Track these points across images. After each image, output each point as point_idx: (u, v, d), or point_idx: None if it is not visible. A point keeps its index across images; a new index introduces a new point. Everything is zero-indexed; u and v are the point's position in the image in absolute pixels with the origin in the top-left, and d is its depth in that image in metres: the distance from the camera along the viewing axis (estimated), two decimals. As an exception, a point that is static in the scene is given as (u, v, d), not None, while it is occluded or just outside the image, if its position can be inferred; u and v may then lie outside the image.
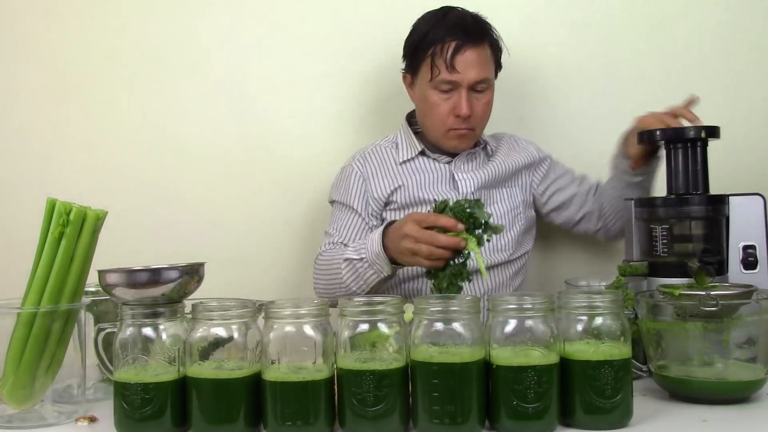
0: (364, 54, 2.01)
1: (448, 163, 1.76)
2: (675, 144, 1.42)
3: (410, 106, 1.84)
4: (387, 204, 1.75)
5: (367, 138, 1.90)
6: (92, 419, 1.14)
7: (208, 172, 2.03)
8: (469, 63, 1.65)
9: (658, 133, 1.43)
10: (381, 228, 1.49)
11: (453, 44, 1.64)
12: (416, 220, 1.34)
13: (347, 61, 2.01)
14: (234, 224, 2.03)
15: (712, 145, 1.43)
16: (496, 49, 1.72)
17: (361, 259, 1.51)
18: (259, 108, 2.03)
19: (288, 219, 2.03)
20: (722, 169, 1.61)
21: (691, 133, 1.39)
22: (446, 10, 1.72)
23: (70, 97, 2.04)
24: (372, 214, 1.75)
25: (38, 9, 2.03)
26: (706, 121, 1.46)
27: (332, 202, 1.81)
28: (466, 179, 1.74)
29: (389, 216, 1.74)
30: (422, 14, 1.75)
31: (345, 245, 1.68)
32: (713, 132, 1.41)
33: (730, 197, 1.40)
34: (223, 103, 2.03)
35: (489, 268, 1.72)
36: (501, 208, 1.76)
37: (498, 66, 1.75)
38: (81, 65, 2.03)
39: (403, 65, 1.78)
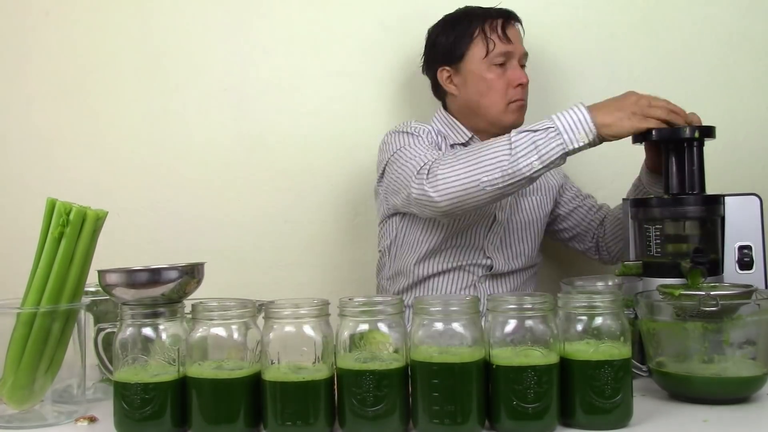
0: (366, 53, 2.01)
1: None
2: (670, 144, 1.42)
3: (410, 107, 1.85)
4: None
5: (366, 138, 1.89)
6: (92, 419, 1.14)
7: (208, 171, 2.03)
8: (517, 36, 1.73)
9: (653, 132, 1.43)
10: (577, 103, 1.41)
11: (500, 19, 1.70)
12: (642, 94, 1.40)
13: (348, 61, 2.01)
14: (234, 224, 2.03)
15: (709, 145, 1.43)
16: None
17: (546, 129, 1.39)
18: (260, 108, 2.03)
19: (288, 219, 2.03)
20: (718, 169, 1.61)
21: (686, 133, 1.39)
22: (464, 8, 1.77)
23: (70, 97, 2.04)
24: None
25: (38, 9, 2.03)
26: (704, 121, 1.46)
27: (394, 153, 1.62)
28: None
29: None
30: (436, 22, 1.78)
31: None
32: (708, 132, 1.40)
33: (725, 197, 1.40)
34: (223, 103, 2.03)
35: (516, 271, 1.73)
36: (532, 216, 1.76)
37: None
38: (81, 65, 2.03)
39: (434, 65, 1.77)
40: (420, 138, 1.64)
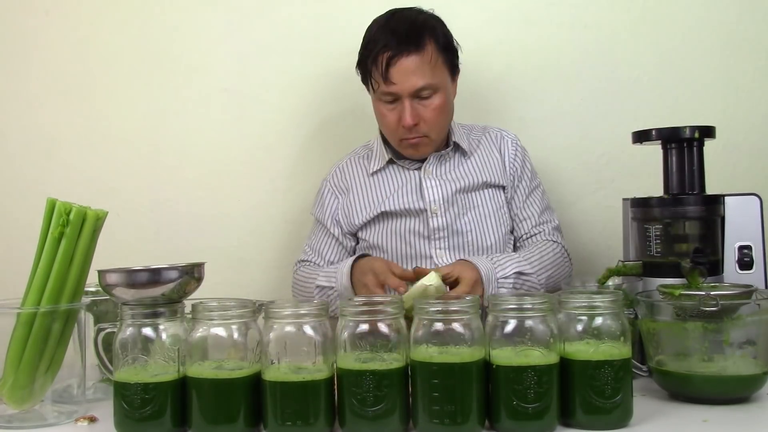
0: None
1: (417, 169, 1.71)
2: (670, 144, 1.42)
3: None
4: (361, 227, 1.74)
5: (366, 138, 1.89)
6: (92, 419, 1.14)
7: (208, 171, 2.03)
8: (406, 72, 1.59)
9: (653, 133, 1.43)
10: (350, 262, 1.57)
11: (386, 55, 1.59)
12: (375, 273, 1.48)
13: (348, 61, 2.01)
14: (234, 224, 2.03)
15: (709, 145, 1.43)
16: (445, 50, 1.64)
17: (332, 287, 1.60)
18: (259, 108, 2.03)
19: (288, 219, 2.03)
20: (718, 169, 1.61)
21: (686, 133, 1.39)
22: (390, 15, 1.66)
23: (70, 97, 2.04)
24: (345, 234, 1.77)
25: (38, 9, 2.03)
26: (704, 121, 1.46)
27: (312, 214, 1.84)
28: (434, 186, 1.68)
29: (366, 232, 1.73)
30: (373, 19, 1.69)
31: (318, 265, 1.75)
32: (708, 132, 1.41)
33: (725, 197, 1.40)
34: (223, 103, 2.03)
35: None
36: (484, 210, 1.70)
37: (452, 66, 1.67)
38: (81, 65, 2.03)
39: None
40: (318, 223, 1.80)
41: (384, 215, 1.71)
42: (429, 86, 1.60)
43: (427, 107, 1.62)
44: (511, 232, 1.76)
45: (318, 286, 1.64)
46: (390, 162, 1.74)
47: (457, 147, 1.74)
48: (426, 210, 1.68)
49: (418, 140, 1.65)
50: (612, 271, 1.38)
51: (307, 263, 1.78)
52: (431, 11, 1.69)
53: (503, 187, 1.74)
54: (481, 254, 1.68)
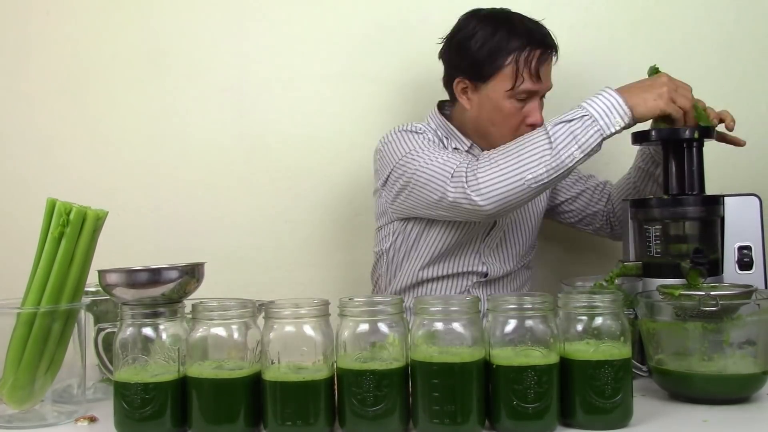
0: (365, 54, 2.01)
1: None
2: (670, 144, 1.42)
3: (409, 107, 1.84)
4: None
5: (366, 138, 1.89)
6: (92, 419, 1.14)
7: (208, 171, 2.03)
8: (549, 72, 1.64)
9: (653, 133, 1.43)
10: (605, 88, 1.41)
11: (538, 53, 1.59)
12: (671, 78, 1.41)
13: (348, 61, 2.01)
14: (234, 224, 2.03)
15: (708, 145, 1.43)
16: None
17: (581, 117, 1.39)
18: (259, 108, 2.03)
19: (288, 219, 2.03)
20: (718, 169, 1.61)
21: (686, 133, 1.39)
22: (506, 15, 1.64)
23: (71, 97, 2.04)
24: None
25: (39, 9, 2.03)
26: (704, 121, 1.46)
27: (403, 156, 1.58)
28: None
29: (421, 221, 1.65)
30: (471, 14, 1.65)
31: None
32: (707, 132, 1.41)
33: (725, 198, 1.40)
34: (223, 103, 2.03)
35: (509, 273, 1.72)
36: (527, 214, 1.74)
37: None
38: (81, 65, 2.03)
39: (454, 70, 1.67)
40: (426, 137, 1.63)
41: None
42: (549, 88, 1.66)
43: (540, 107, 1.65)
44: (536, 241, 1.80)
45: (557, 123, 1.40)
46: (471, 148, 1.69)
47: None
48: None
49: None
50: (613, 273, 1.38)
51: (470, 157, 1.56)
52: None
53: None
54: (518, 256, 1.72)
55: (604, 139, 1.39)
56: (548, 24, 1.99)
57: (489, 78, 1.61)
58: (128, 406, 1.04)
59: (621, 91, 1.40)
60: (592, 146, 1.39)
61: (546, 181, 1.41)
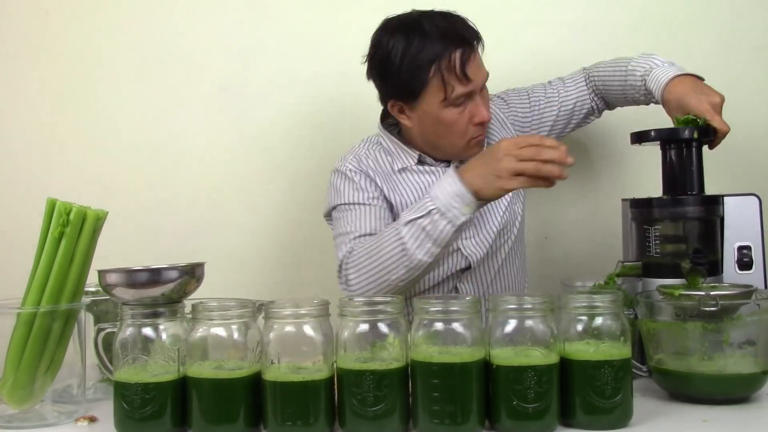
0: (363, 53, 2.00)
1: (447, 165, 1.64)
2: (669, 144, 1.42)
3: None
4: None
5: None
6: (92, 419, 1.14)
7: (208, 172, 2.03)
8: (478, 66, 1.52)
9: (652, 133, 1.43)
10: (450, 169, 1.36)
11: (459, 54, 1.48)
12: (513, 142, 1.29)
13: (347, 61, 2.01)
14: (234, 224, 2.03)
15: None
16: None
17: (429, 212, 1.34)
18: (259, 108, 2.03)
19: (288, 219, 2.03)
20: (718, 169, 1.61)
21: (686, 134, 1.40)
22: (417, 18, 1.53)
23: (70, 97, 2.04)
24: (385, 206, 1.57)
25: (39, 9, 2.03)
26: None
27: (333, 209, 1.61)
28: None
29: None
30: (382, 28, 1.56)
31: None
32: (707, 132, 1.41)
33: (724, 198, 1.40)
34: (222, 103, 2.03)
35: (492, 254, 1.64)
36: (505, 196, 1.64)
37: None
38: (81, 65, 2.03)
39: (384, 94, 1.60)
40: (353, 185, 1.59)
41: None
42: (487, 77, 1.56)
43: (485, 98, 1.56)
44: (513, 204, 1.71)
45: (407, 223, 1.36)
46: (419, 162, 1.63)
47: None
48: None
49: (482, 138, 1.58)
50: (613, 274, 1.38)
51: (360, 239, 1.51)
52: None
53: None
54: (489, 234, 1.63)
55: (460, 228, 1.34)
56: (548, 24, 1.99)
57: (419, 95, 1.52)
58: (128, 406, 1.04)
59: (463, 172, 1.34)
60: (448, 238, 1.34)
61: (410, 278, 1.39)
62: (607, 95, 1.73)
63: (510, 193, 1.60)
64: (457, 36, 1.51)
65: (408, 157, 1.63)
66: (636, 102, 1.67)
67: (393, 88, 1.57)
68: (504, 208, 1.66)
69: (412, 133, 1.63)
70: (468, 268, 1.63)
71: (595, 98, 1.74)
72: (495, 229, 1.64)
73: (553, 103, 1.72)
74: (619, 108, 1.79)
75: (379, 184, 1.60)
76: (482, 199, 1.33)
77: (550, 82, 1.77)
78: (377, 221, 1.55)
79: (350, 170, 1.62)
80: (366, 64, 1.62)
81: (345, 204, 1.59)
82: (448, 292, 1.65)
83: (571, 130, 1.77)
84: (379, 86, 1.62)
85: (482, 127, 1.57)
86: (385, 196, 1.60)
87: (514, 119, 1.73)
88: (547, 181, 1.27)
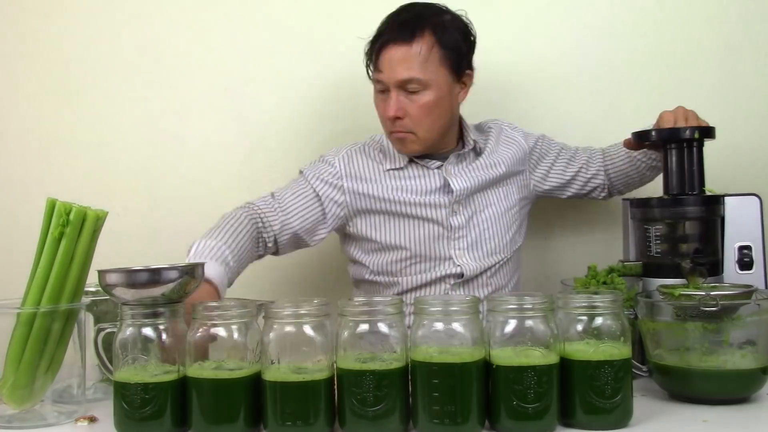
0: (363, 53, 2.00)
1: (439, 168, 1.68)
2: (670, 144, 1.42)
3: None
4: (371, 224, 1.67)
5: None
6: (92, 419, 1.14)
7: (208, 172, 2.03)
8: (393, 61, 1.57)
9: (653, 133, 1.43)
10: (213, 265, 1.38)
11: (379, 41, 1.59)
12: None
13: (347, 61, 2.01)
14: (234, 224, 2.02)
15: (709, 145, 1.43)
16: (447, 49, 1.59)
17: (190, 252, 1.44)
18: (259, 108, 2.03)
19: (288, 219, 2.03)
20: (718, 169, 1.61)
21: (686, 134, 1.40)
22: (403, 6, 1.64)
23: (70, 97, 2.04)
24: (337, 214, 1.66)
25: (39, 10, 2.03)
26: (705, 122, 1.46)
27: (300, 172, 1.71)
28: (460, 183, 1.66)
29: (380, 231, 1.67)
30: None
31: (258, 207, 1.61)
32: (708, 132, 1.41)
33: (725, 197, 1.40)
34: (223, 103, 2.03)
35: (485, 271, 1.68)
36: (497, 209, 1.71)
37: (456, 67, 1.61)
38: (81, 65, 2.03)
39: None
40: (321, 168, 1.68)
41: (401, 215, 1.66)
42: (416, 81, 1.57)
43: (414, 102, 1.59)
44: (518, 230, 1.77)
45: (204, 237, 1.47)
46: (410, 162, 1.69)
47: (474, 147, 1.73)
48: (449, 206, 1.65)
49: (403, 135, 1.63)
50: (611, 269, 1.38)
51: (250, 205, 1.62)
52: (460, 12, 1.65)
53: (521, 172, 1.77)
54: (496, 253, 1.70)
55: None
56: (548, 24, 1.99)
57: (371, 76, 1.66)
58: (128, 406, 1.04)
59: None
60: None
61: None
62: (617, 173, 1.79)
63: (514, 228, 1.73)
64: (392, 27, 1.60)
65: (399, 159, 1.69)
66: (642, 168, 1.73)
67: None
68: (513, 233, 1.73)
69: None
70: (461, 276, 1.67)
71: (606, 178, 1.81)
72: (499, 250, 1.70)
73: (573, 166, 1.81)
74: (619, 108, 1.79)
75: (347, 189, 1.67)
76: None
77: (577, 149, 1.84)
78: (297, 198, 1.65)
79: (334, 164, 1.69)
80: None
81: (303, 174, 1.69)
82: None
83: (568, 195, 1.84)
84: None
85: (396, 122, 1.61)
86: (337, 201, 1.67)
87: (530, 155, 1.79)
88: None
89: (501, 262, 1.71)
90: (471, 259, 1.67)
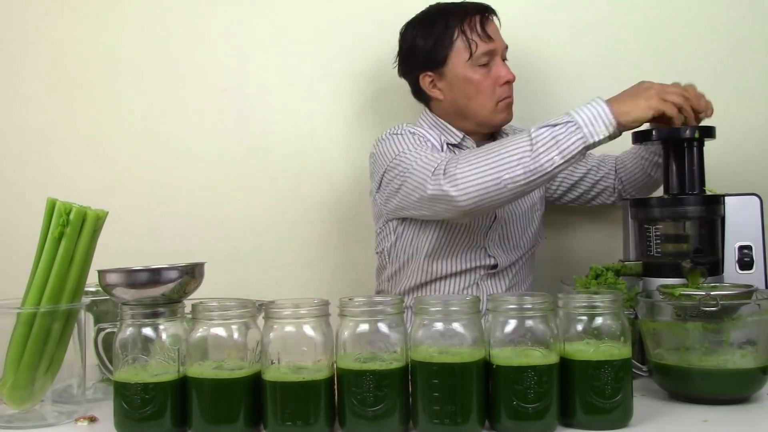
0: (364, 53, 2.00)
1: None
2: (671, 144, 1.42)
3: (411, 106, 1.84)
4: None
5: (367, 138, 1.89)
6: (92, 419, 1.14)
7: (208, 171, 2.03)
8: (496, 30, 1.69)
9: (653, 133, 1.43)
10: (596, 97, 1.40)
11: (478, 17, 1.65)
12: (658, 82, 1.40)
13: (347, 61, 2.01)
14: (234, 224, 2.03)
15: (709, 145, 1.43)
16: None
17: (565, 123, 1.37)
18: (259, 108, 2.03)
19: (288, 219, 2.03)
20: (718, 169, 1.61)
21: (686, 134, 1.40)
22: (437, 5, 1.71)
23: (70, 97, 2.04)
24: None
25: (39, 9, 2.03)
26: (704, 121, 1.46)
27: (391, 161, 1.59)
28: None
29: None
30: (406, 27, 1.73)
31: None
32: (708, 132, 1.41)
33: (725, 197, 1.40)
34: (223, 103, 2.03)
35: (512, 265, 1.71)
36: (523, 204, 1.73)
37: None
38: (81, 64, 2.03)
39: (414, 71, 1.72)
40: (417, 137, 1.64)
41: None
42: (506, 48, 1.70)
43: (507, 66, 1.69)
44: (540, 226, 1.80)
45: (542, 127, 1.38)
46: (463, 140, 1.71)
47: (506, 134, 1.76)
48: None
49: (511, 99, 1.69)
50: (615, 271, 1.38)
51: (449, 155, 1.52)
52: None
53: None
54: (520, 247, 1.72)
55: (587, 147, 1.36)
56: (549, 24, 2.00)
57: (446, 59, 1.66)
58: (128, 406, 1.04)
59: (610, 101, 1.38)
60: (574, 153, 1.36)
61: (523, 182, 1.38)
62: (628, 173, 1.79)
63: (537, 218, 1.75)
64: (475, 5, 1.68)
65: (453, 135, 1.72)
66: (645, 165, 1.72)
67: (422, 60, 1.69)
68: (536, 228, 1.76)
69: (444, 106, 1.72)
70: (494, 266, 1.70)
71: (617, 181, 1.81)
72: (524, 243, 1.74)
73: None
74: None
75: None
76: (626, 122, 1.36)
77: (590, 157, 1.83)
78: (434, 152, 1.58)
79: (409, 130, 1.66)
80: (397, 63, 1.76)
81: (404, 152, 1.58)
82: (469, 286, 1.70)
83: (571, 199, 1.86)
84: (409, 70, 1.74)
85: (508, 87, 1.68)
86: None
87: None
88: (686, 118, 1.38)
89: (526, 258, 1.75)
90: (502, 252, 1.70)
